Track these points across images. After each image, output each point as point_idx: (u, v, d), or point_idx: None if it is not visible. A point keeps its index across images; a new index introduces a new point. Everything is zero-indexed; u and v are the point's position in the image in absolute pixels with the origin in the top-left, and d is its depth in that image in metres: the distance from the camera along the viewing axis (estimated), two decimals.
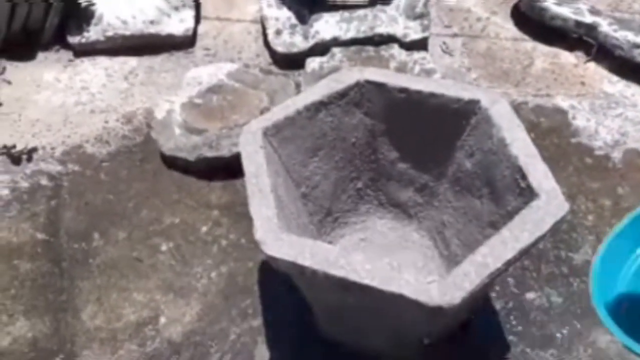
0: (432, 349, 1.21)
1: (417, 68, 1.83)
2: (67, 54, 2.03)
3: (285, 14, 1.99)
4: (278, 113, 1.21)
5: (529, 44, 2.06)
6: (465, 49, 2.04)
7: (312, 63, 1.87)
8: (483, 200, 1.19)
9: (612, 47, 1.92)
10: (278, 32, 1.96)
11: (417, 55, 1.88)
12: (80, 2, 2.02)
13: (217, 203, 1.59)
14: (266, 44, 2.01)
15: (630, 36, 1.89)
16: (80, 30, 2.00)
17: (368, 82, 1.24)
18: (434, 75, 1.80)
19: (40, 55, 2.02)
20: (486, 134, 1.15)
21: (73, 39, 2.00)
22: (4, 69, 1.97)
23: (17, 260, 1.48)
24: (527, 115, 1.79)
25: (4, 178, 1.66)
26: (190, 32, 2.04)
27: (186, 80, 1.84)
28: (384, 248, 1.40)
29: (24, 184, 1.65)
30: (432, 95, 1.20)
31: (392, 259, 1.36)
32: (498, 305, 1.37)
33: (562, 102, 1.85)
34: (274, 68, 1.96)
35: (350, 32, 1.94)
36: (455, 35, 2.09)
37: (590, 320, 1.35)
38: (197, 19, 2.12)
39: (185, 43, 2.05)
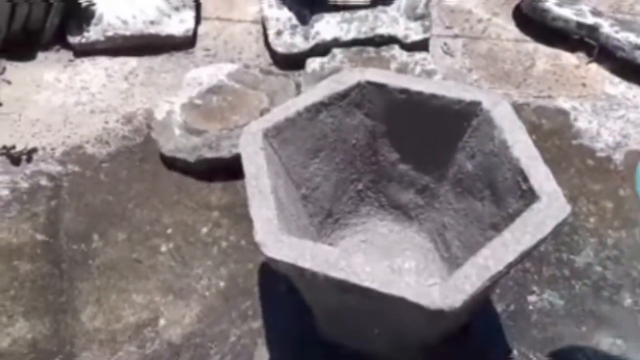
0: (433, 351, 1.21)
1: (418, 69, 1.83)
2: (67, 54, 2.02)
3: (286, 15, 1.99)
4: (278, 114, 1.20)
5: (530, 45, 2.05)
6: (466, 50, 2.03)
7: (313, 64, 1.87)
8: (484, 202, 1.18)
9: (613, 49, 1.92)
10: (279, 33, 1.96)
11: (418, 56, 1.87)
12: (80, 2, 2.02)
13: (217, 204, 1.58)
14: (267, 44, 2.01)
15: (632, 37, 1.88)
16: (80, 30, 2.00)
17: (369, 83, 1.23)
18: (435, 76, 1.80)
19: (41, 55, 2.02)
20: (487, 136, 1.14)
21: (73, 39, 1.99)
22: (4, 69, 1.97)
23: (17, 261, 1.48)
24: (528, 117, 1.78)
25: (4, 178, 1.65)
26: (190, 33, 2.04)
27: (186, 81, 1.83)
28: (385, 250, 1.40)
29: (24, 185, 1.64)
30: (433, 96, 1.19)
31: (393, 261, 1.36)
32: (499, 308, 1.36)
33: (564, 104, 1.84)
34: (274, 68, 1.96)
35: (351, 32, 1.93)
36: (456, 36, 2.08)
37: (592, 323, 1.34)
38: (198, 19, 2.12)
39: (185, 43, 2.04)
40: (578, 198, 1.58)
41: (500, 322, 1.34)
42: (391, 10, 1.98)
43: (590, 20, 1.96)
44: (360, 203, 1.42)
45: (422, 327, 1.06)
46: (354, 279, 0.91)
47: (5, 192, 1.62)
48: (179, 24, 2.04)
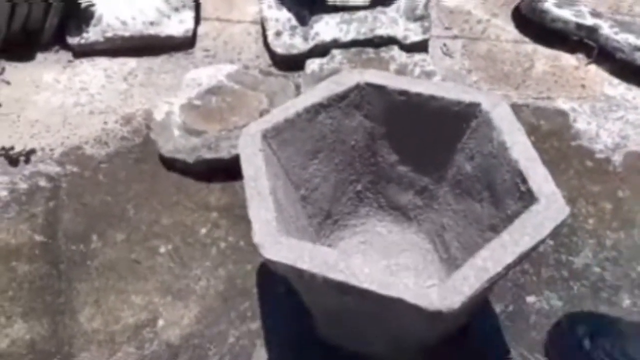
0: (431, 352, 1.21)
1: (417, 70, 1.83)
2: (66, 55, 2.02)
3: (285, 15, 1.99)
4: (277, 115, 1.20)
5: (529, 46, 2.05)
6: (465, 51, 2.04)
7: (312, 64, 1.87)
8: (483, 203, 1.18)
9: (613, 50, 1.92)
10: (278, 34, 1.96)
11: (417, 57, 1.87)
12: (80, 2, 2.02)
13: (216, 205, 1.58)
14: (266, 45, 2.01)
15: (632, 39, 1.89)
16: (79, 31, 2.00)
17: (368, 84, 1.23)
18: (434, 78, 1.80)
19: (40, 56, 2.02)
20: (486, 137, 1.14)
21: (72, 40, 1.99)
22: (3, 69, 1.97)
23: (15, 262, 1.48)
24: (527, 118, 1.78)
25: (3, 179, 1.65)
26: (190, 33, 2.04)
27: (185, 82, 1.83)
28: (384, 251, 1.40)
29: (23, 186, 1.64)
30: (432, 98, 1.19)
31: (392, 262, 1.36)
32: (498, 309, 1.37)
33: (563, 105, 1.84)
34: (273, 69, 1.96)
35: (350, 33, 1.93)
36: (455, 37, 2.09)
37: None
38: (197, 20, 2.12)
39: (184, 44, 2.04)
40: (577, 199, 1.58)
41: (499, 323, 1.34)
42: (390, 11, 1.99)
43: (589, 21, 1.96)
44: (360, 204, 1.42)
45: (420, 328, 1.06)
46: (352, 281, 0.91)
47: (4, 193, 1.62)
48: (178, 25, 2.04)
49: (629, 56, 1.89)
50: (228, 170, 1.58)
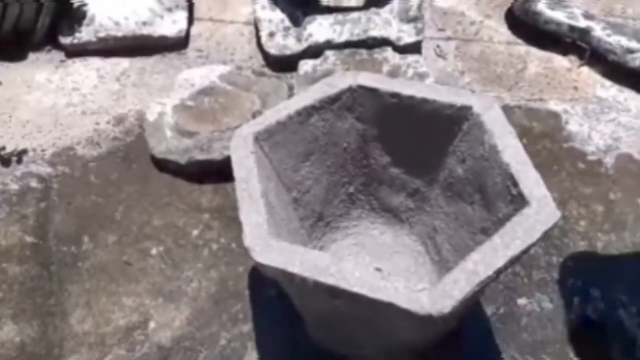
0: (422, 356, 1.21)
1: (410, 71, 1.83)
2: (58, 55, 2.01)
3: (279, 16, 1.98)
4: (270, 117, 1.20)
5: (522, 47, 2.06)
6: (458, 52, 2.04)
7: (305, 66, 1.86)
8: (474, 206, 1.18)
9: (605, 52, 1.92)
10: (271, 34, 1.96)
11: (410, 58, 1.87)
12: (72, 2, 2.01)
13: (208, 206, 1.58)
14: (259, 46, 2.00)
15: (624, 41, 1.89)
16: (72, 30, 1.99)
17: (360, 87, 1.23)
18: (427, 79, 1.80)
19: (32, 56, 2.01)
20: (478, 140, 1.14)
21: (65, 40, 1.98)
22: None
23: (5, 263, 1.47)
24: (519, 120, 1.79)
25: None
26: (183, 34, 2.03)
27: (178, 82, 1.82)
28: (376, 253, 1.39)
29: (14, 186, 1.63)
30: (425, 100, 1.19)
31: (384, 265, 1.36)
32: (489, 311, 1.37)
33: (555, 107, 1.85)
34: (266, 70, 1.95)
35: (343, 34, 1.93)
36: (448, 38, 2.09)
37: (582, 324, 1.35)
38: (190, 20, 2.11)
39: (177, 44, 2.03)
40: (568, 201, 1.58)
41: (490, 325, 1.35)
42: (384, 12, 1.98)
43: (582, 23, 1.97)
44: (352, 206, 1.42)
45: (411, 331, 1.06)
46: (343, 285, 0.91)
47: None
48: (171, 25, 2.03)
49: (621, 58, 1.89)
50: (220, 172, 1.57)
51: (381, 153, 1.33)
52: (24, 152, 1.71)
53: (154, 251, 1.49)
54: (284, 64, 1.93)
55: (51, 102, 1.86)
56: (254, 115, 1.67)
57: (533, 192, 1.01)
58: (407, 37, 1.94)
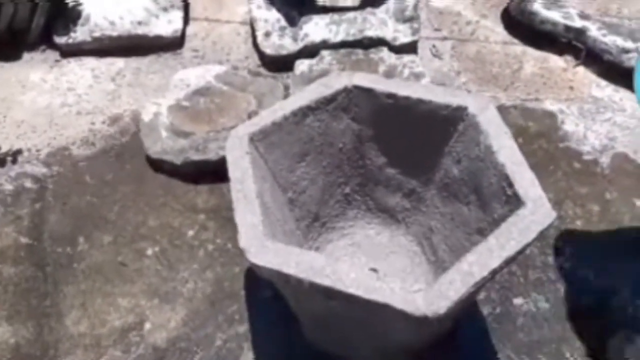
0: (419, 356, 1.21)
1: (406, 72, 1.83)
2: (53, 55, 2.00)
3: (275, 16, 1.98)
4: (265, 118, 1.20)
5: (518, 47, 2.06)
6: (454, 52, 2.04)
7: (301, 65, 1.86)
8: (470, 206, 1.18)
9: (601, 52, 1.93)
10: (267, 34, 1.95)
11: (406, 58, 1.87)
12: (67, 2, 2.00)
13: (204, 207, 1.57)
14: (255, 45, 2.00)
15: (619, 41, 1.89)
16: (67, 30, 1.98)
17: (356, 87, 1.23)
18: (423, 79, 1.80)
19: (26, 56, 2.00)
20: (473, 141, 1.14)
21: (60, 39, 1.98)
22: None
23: (0, 264, 1.46)
24: (515, 120, 1.79)
25: None
26: (178, 34, 2.03)
27: (174, 82, 1.82)
28: (372, 253, 1.39)
29: (9, 187, 1.62)
30: (420, 101, 1.19)
31: (380, 265, 1.36)
32: (485, 311, 1.37)
33: (551, 107, 1.85)
34: (262, 70, 1.95)
35: (339, 34, 1.93)
36: (444, 38, 2.09)
37: (578, 326, 1.35)
38: (186, 20, 2.10)
39: (173, 44, 2.03)
40: (564, 201, 1.58)
41: (487, 325, 1.35)
42: (380, 12, 1.98)
43: (577, 23, 1.97)
44: (348, 207, 1.42)
45: (407, 332, 1.06)
46: (339, 286, 0.91)
47: None
48: (167, 25, 2.02)
49: (617, 58, 1.90)
50: (216, 172, 1.57)
51: (377, 153, 1.33)
52: (19, 152, 1.70)
53: (149, 252, 1.49)
54: (280, 64, 1.93)
55: (46, 102, 1.86)
56: (249, 116, 1.66)
57: (528, 193, 1.01)
58: (403, 37, 1.94)
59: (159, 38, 2.01)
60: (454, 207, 1.24)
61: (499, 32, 2.11)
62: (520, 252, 0.96)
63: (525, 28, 2.06)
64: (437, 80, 1.91)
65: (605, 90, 1.90)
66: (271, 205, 1.15)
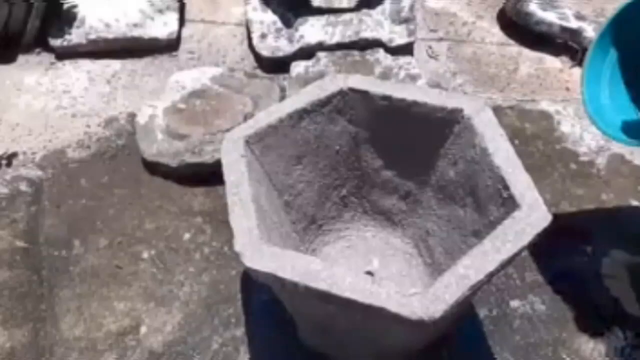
0: (415, 359, 1.20)
1: (402, 73, 1.82)
2: (48, 57, 2.00)
3: (270, 18, 1.98)
4: (261, 121, 1.19)
5: (514, 48, 2.06)
6: (451, 53, 2.04)
7: (297, 67, 1.86)
8: (466, 209, 1.18)
9: None
10: (263, 36, 1.95)
11: (402, 60, 1.87)
12: (62, 4, 2.00)
13: (200, 210, 1.57)
14: (251, 47, 2.00)
15: None
16: (62, 32, 1.97)
17: (351, 90, 1.23)
18: (420, 81, 1.79)
19: (21, 58, 1.99)
20: (469, 143, 1.14)
21: (55, 42, 1.97)
22: None
23: None
24: (512, 121, 1.79)
25: None
26: (174, 36, 2.02)
27: (169, 85, 1.81)
28: (368, 255, 1.39)
29: (4, 190, 1.62)
30: (416, 103, 1.19)
31: (376, 267, 1.36)
32: (482, 313, 1.37)
33: (547, 108, 1.85)
34: (258, 72, 1.95)
35: (335, 36, 1.92)
36: (441, 39, 2.08)
37: (574, 328, 1.35)
38: (182, 22, 2.10)
39: (169, 46, 2.02)
40: (561, 202, 1.58)
41: (483, 327, 1.34)
42: (376, 13, 1.98)
43: (573, 24, 1.97)
44: (344, 209, 1.42)
45: (404, 335, 1.06)
46: (335, 290, 0.91)
47: None
48: (162, 27, 2.02)
49: None
50: (212, 175, 1.56)
51: (373, 156, 1.33)
52: (14, 155, 1.69)
53: (145, 255, 1.48)
54: (276, 66, 1.92)
55: (41, 105, 1.85)
56: (245, 118, 1.66)
57: (524, 196, 1.01)
58: (399, 38, 1.94)
59: (154, 40, 2.00)
60: (450, 209, 1.24)
61: (495, 33, 2.11)
62: (516, 255, 0.95)
63: (521, 29, 2.07)
64: (433, 82, 1.91)
65: None
66: (267, 209, 1.14)
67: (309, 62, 1.87)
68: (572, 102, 1.86)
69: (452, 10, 2.19)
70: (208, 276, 1.44)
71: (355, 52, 1.90)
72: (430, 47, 2.05)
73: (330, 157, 1.32)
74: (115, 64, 1.98)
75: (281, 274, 0.93)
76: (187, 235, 1.52)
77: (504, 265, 0.94)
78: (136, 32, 1.99)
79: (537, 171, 1.56)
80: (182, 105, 1.74)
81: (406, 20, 1.97)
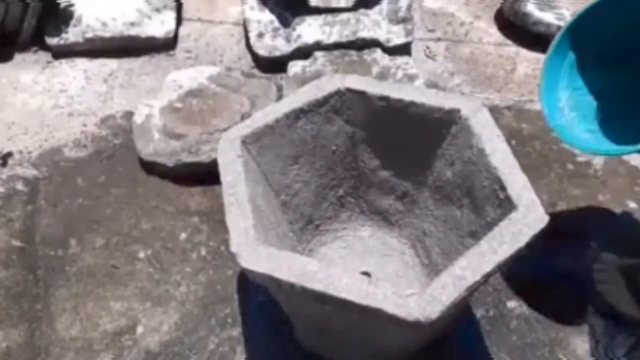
0: (412, 359, 1.20)
1: (399, 73, 1.82)
2: (45, 56, 1.99)
3: (268, 17, 1.97)
4: (257, 120, 1.19)
5: (512, 48, 2.06)
6: (448, 53, 2.04)
7: (295, 67, 1.86)
8: (463, 209, 1.18)
9: None
10: (260, 35, 1.95)
11: (400, 60, 1.87)
12: (59, 2, 1.99)
13: (197, 209, 1.57)
14: (248, 47, 1.99)
15: None
16: (58, 31, 1.97)
17: (348, 90, 1.23)
18: (417, 81, 1.79)
19: (18, 57, 1.99)
20: (466, 144, 1.14)
21: (51, 41, 1.96)
22: None
23: None
24: (509, 121, 1.79)
25: None
26: (171, 35, 2.02)
27: (166, 84, 1.81)
28: (365, 256, 1.39)
29: (0, 189, 1.61)
30: (413, 104, 1.19)
31: (373, 268, 1.36)
32: (478, 314, 1.37)
33: None
34: (256, 71, 1.95)
35: (333, 36, 1.92)
36: (438, 39, 2.08)
37: (570, 328, 1.35)
38: (179, 20, 2.10)
39: (166, 45, 2.02)
40: (557, 203, 1.58)
41: (480, 328, 1.34)
42: (373, 13, 1.98)
43: None
44: (341, 209, 1.42)
45: (400, 337, 1.06)
46: (331, 291, 0.91)
47: None
48: (159, 26, 2.01)
49: None
50: (209, 174, 1.56)
51: (370, 156, 1.33)
52: (10, 154, 1.69)
53: (141, 255, 1.48)
54: (273, 65, 1.92)
55: (38, 104, 1.85)
56: (242, 117, 1.66)
57: (521, 197, 1.01)
58: (397, 38, 1.94)
59: (151, 39, 2.00)
60: (447, 210, 1.23)
61: (493, 33, 2.11)
62: (513, 256, 0.95)
63: (518, 29, 2.07)
64: (430, 82, 1.91)
65: None
66: (264, 209, 1.14)
67: (306, 62, 1.87)
68: None
69: (449, 11, 2.18)
70: (205, 276, 1.44)
71: (353, 52, 1.90)
72: (427, 47, 2.05)
73: (327, 157, 1.32)
74: (112, 63, 1.97)
75: (277, 274, 0.93)
76: (183, 235, 1.52)
77: (501, 266, 0.94)
78: (133, 31, 1.99)
79: (534, 171, 1.56)
80: (179, 105, 1.74)
81: (404, 20, 1.97)
